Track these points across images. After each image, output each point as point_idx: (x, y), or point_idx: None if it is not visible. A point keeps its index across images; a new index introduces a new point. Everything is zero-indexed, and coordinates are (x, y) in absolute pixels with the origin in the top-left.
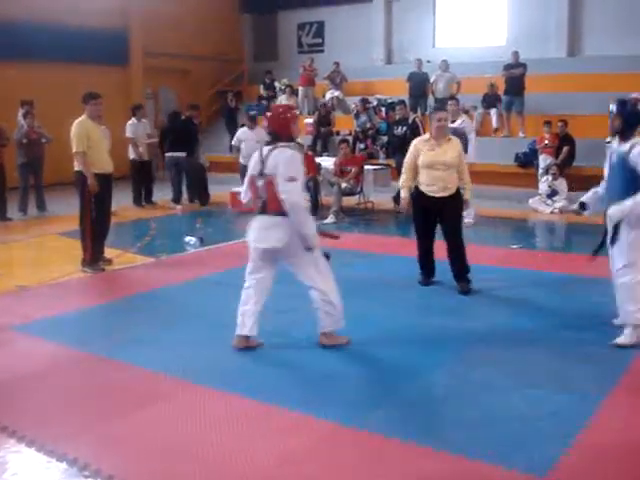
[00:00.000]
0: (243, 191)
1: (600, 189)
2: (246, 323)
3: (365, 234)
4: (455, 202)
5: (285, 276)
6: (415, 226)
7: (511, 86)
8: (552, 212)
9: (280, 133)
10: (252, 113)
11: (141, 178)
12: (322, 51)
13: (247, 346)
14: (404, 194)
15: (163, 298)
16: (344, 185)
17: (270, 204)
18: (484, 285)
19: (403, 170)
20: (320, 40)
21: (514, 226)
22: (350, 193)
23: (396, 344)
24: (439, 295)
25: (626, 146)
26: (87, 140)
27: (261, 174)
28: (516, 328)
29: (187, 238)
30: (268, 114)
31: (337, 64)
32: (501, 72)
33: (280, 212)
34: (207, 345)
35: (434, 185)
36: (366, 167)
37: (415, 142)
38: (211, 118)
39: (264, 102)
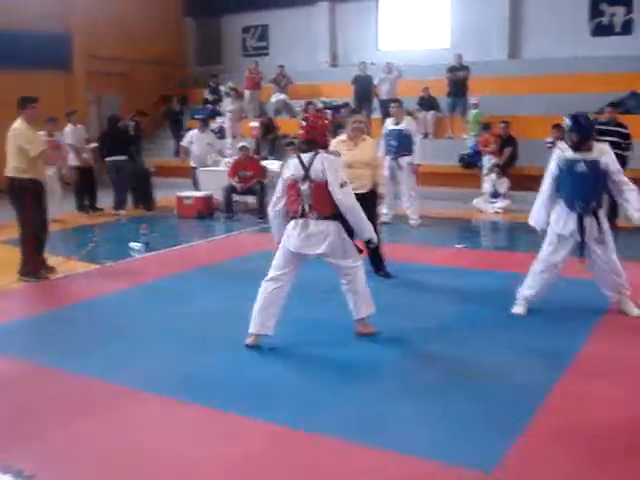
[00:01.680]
0: (276, 198)
1: (546, 202)
2: (267, 324)
3: None
4: (372, 197)
5: (236, 280)
6: None
7: (455, 88)
8: (496, 212)
9: (318, 140)
10: (203, 116)
11: (84, 184)
12: (267, 54)
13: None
14: None
15: (108, 305)
16: None
17: (317, 208)
18: (430, 285)
19: None
20: (265, 43)
21: (459, 226)
22: None
23: (344, 345)
24: (387, 295)
25: (592, 155)
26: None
27: (305, 179)
28: (463, 325)
29: (132, 244)
30: (304, 123)
31: (282, 67)
32: (445, 74)
33: (327, 216)
34: (151, 352)
35: (354, 183)
36: None
37: (332, 143)
38: (156, 123)
39: (209, 106)
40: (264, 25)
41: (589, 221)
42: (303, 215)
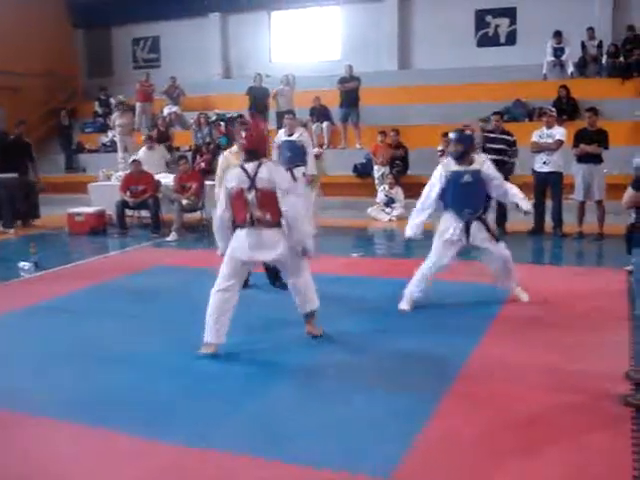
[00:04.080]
0: (222, 206)
1: (427, 211)
2: (221, 331)
3: (209, 250)
4: None
5: (134, 297)
6: None
7: (346, 99)
8: (390, 220)
9: (259, 150)
10: (149, 134)
11: None
12: (159, 66)
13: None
14: None
15: None
16: (185, 202)
17: (264, 215)
18: (329, 294)
19: (217, 183)
20: (156, 55)
21: (355, 235)
22: (191, 209)
23: (238, 358)
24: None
25: (475, 166)
26: None
27: (251, 188)
28: (358, 333)
29: (21, 264)
30: (244, 133)
31: (174, 79)
32: (336, 85)
33: (276, 224)
34: (41, 376)
35: None
36: (207, 182)
37: (225, 154)
38: (43, 137)
39: (100, 119)
40: (155, 36)
41: (475, 226)
42: (251, 224)
